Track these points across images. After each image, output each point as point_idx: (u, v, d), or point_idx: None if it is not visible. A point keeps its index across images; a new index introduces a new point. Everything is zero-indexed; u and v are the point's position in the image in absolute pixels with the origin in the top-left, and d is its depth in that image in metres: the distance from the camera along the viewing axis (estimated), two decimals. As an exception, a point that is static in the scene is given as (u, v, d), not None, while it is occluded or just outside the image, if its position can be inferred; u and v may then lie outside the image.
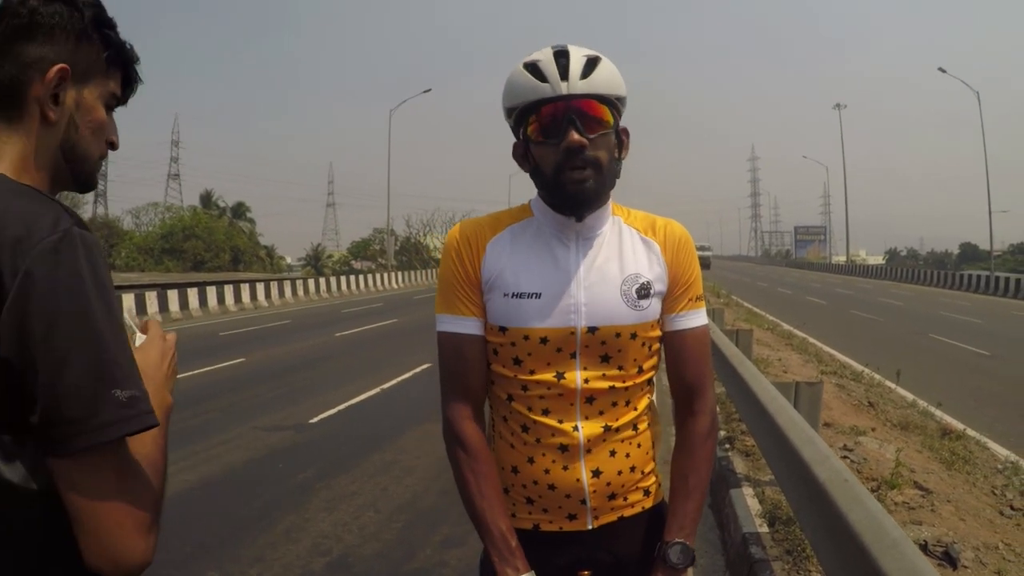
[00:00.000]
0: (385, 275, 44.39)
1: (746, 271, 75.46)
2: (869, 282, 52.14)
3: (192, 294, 27.25)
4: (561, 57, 1.60)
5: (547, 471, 1.69)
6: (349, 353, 14.75)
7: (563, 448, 1.68)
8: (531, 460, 1.71)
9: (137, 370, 1.06)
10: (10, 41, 1.13)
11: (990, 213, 44.59)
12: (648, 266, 1.73)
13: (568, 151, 1.58)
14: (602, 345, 1.67)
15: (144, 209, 64.76)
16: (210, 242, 52.59)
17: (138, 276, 38.26)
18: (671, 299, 1.75)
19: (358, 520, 5.33)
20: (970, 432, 7.76)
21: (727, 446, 6.65)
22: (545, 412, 1.69)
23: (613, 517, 1.75)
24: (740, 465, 6.03)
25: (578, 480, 1.69)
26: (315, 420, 8.56)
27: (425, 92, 50.57)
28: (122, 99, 1.28)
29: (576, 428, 1.68)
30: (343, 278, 39.71)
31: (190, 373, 11.23)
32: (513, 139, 1.75)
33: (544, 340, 1.66)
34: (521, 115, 1.66)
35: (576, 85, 1.58)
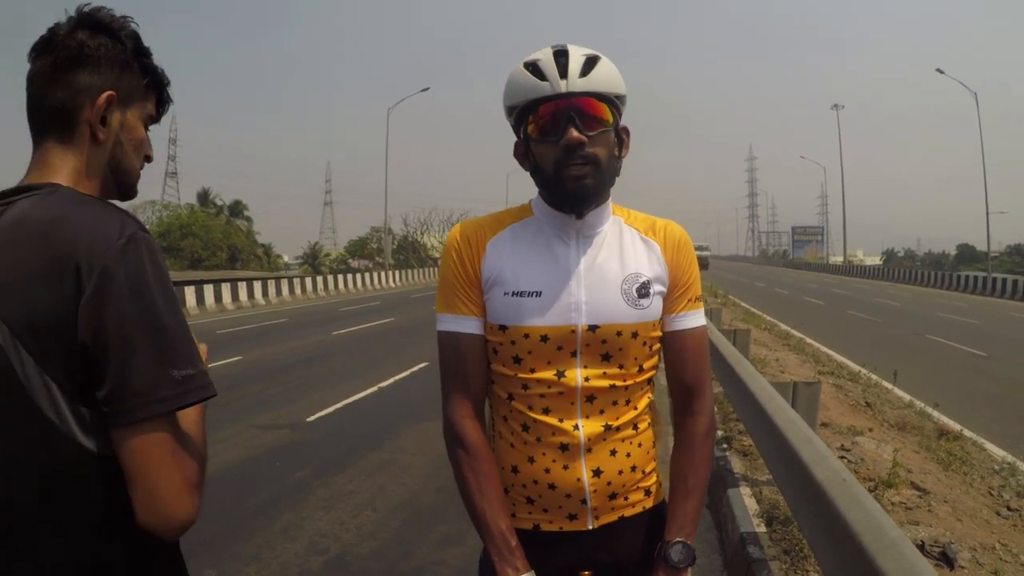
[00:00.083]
0: (382, 274, 44.39)
1: (743, 271, 75.52)
2: (866, 283, 52.21)
3: (189, 292, 27.22)
4: (561, 56, 1.61)
5: (547, 470, 1.69)
6: (346, 352, 14.74)
7: (563, 447, 1.68)
8: (531, 459, 1.70)
9: (195, 349, 1.24)
10: (62, 71, 1.29)
11: (987, 214, 44.70)
12: (648, 266, 1.73)
13: (567, 148, 1.59)
14: (603, 344, 1.67)
15: (141, 207, 64.56)
16: (207, 240, 52.58)
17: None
18: (671, 300, 1.76)
19: (355, 519, 5.33)
20: (967, 433, 7.77)
21: (724, 446, 6.66)
22: (545, 411, 1.68)
23: (614, 517, 1.75)
24: (738, 465, 6.03)
25: (579, 479, 1.69)
26: (312, 419, 8.56)
27: (423, 91, 50.61)
28: (157, 118, 1.45)
29: (576, 427, 1.68)
30: (340, 277, 39.70)
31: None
32: (513, 138, 1.76)
33: (544, 338, 1.66)
34: (521, 114, 1.67)
35: (575, 83, 1.59)
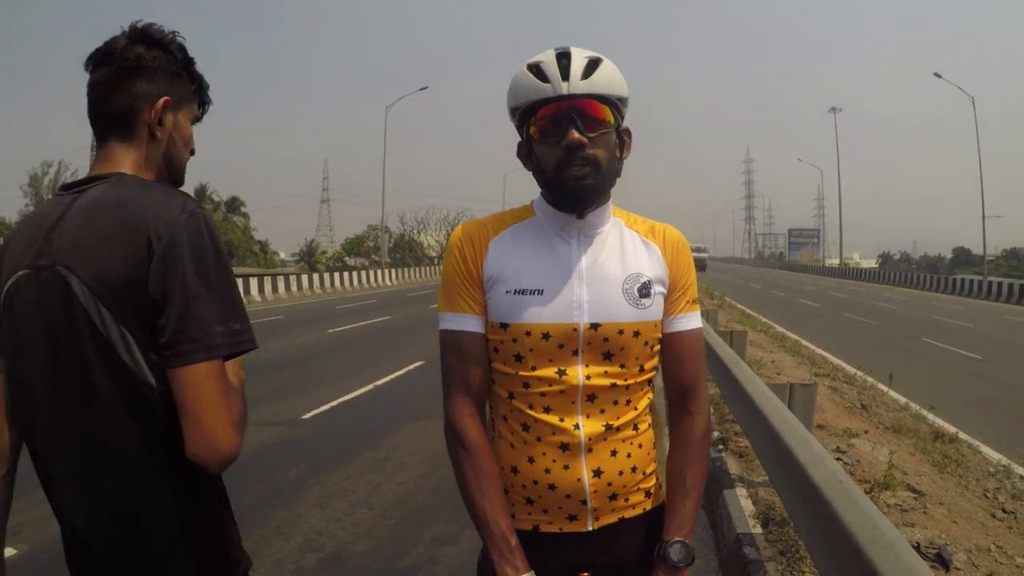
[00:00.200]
0: (379, 272, 44.28)
1: (740, 273, 75.58)
2: (862, 285, 52.30)
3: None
4: (563, 58, 1.63)
5: (547, 470, 1.69)
6: (342, 349, 14.72)
7: (564, 447, 1.68)
8: (531, 460, 1.70)
9: (242, 309, 1.46)
10: (122, 80, 1.53)
11: (983, 218, 44.73)
12: (649, 267, 1.75)
13: (568, 149, 1.61)
14: (604, 342, 1.68)
15: (138, 203, 64.57)
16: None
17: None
18: (669, 301, 1.77)
19: (351, 517, 5.32)
20: (962, 435, 7.78)
21: (721, 447, 6.66)
22: (546, 410, 1.68)
23: (614, 518, 1.75)
24: (734, 466, 6.03)
25: (579, 480, 1.69)
26: (308, 416, 8.55)
27: (422, 89, 50.55)
28: (200, 117, 1.71)
29: (577, 426, 1.68)
30: (337, 274, 39.63)
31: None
32: (514, 138, 1.78)
33: (546, 336, 1.67)
34: (524, 115, 1.69)
35: (577, 85, 1.61)
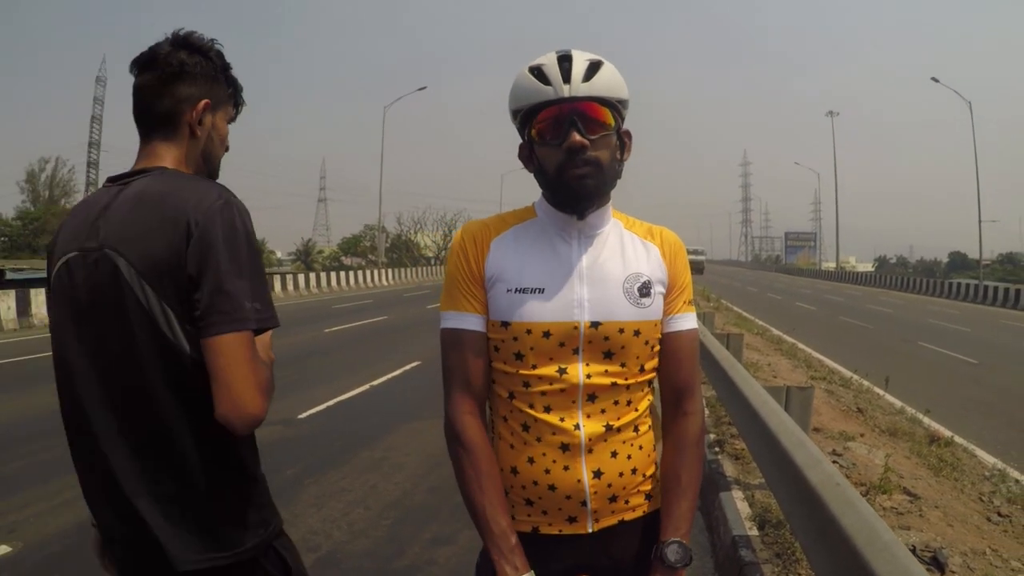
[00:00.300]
0: (375, 272, 44.25)
1: (736, 276, 75.68)
2: (858, 289, 52.39)
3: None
4: (564, 61, 1.64)
5: (547, 471, 1.69)
6: (338, 349, 14.70)
7: (564, 447, 1.68)
8: (531, 460, 1.70)
9: (268, 293, 1.61)
10: (167, 84, 1.69)
11: (980, 222, 44.85)
12: (649, 267, 1.77)
13: (570, 151, 1.63)
14: (605, 341, 1.69)
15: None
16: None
17: (127, 267, 37.94)
18: (667, 301, 1.78)
19: (347, 517, 5.31)
20: (958, 439, 7.79)
21: (717, 449, 6.66)
22: (547, 409, 1.68)
23: (613, 520, 1.75)
24: (730, 468, 6.04)
25: (579, 481, 1.69)
26: (304, 416, 8.53)
27: (420, 89, 50.54)
28: (234, 117, 1.88)
29: (578, 426, 1.68)
30: (333, 274, 39.60)
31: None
32: (515, 140, 1.79)
33: (547, 334, 1.67)
34: (526, 117, 1.70)
35: (578, 88, 1.62)
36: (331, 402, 9.28)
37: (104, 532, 1.73)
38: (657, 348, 1.78)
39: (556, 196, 1.72)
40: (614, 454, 1.71)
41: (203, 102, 1.73)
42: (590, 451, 1.69)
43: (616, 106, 1.69)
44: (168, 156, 1.71)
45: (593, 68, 1.65)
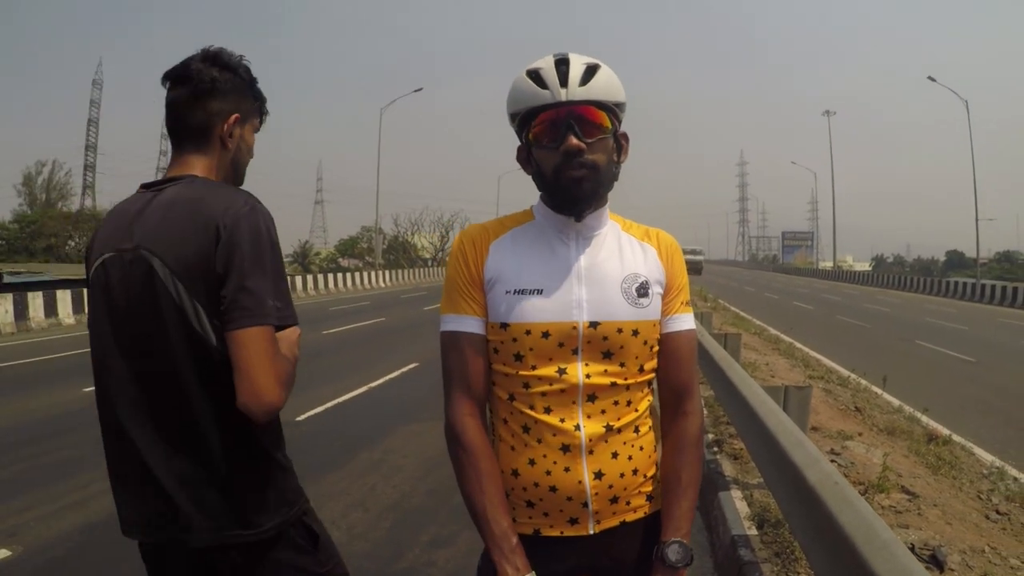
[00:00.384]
0: (373, 273, 44.21)
1: (733, 275, 75.72)
2: (856, 288, 52.42)
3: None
4: (561, 65, 1.66)
5: (548, 472, 1.70)
6: (336, 351, 14.68)
7: (565, 448, 1.69)
8: (532, 462, 1.71)
9: (288, 292, 1.77)
10: (200, 99, 1.83)
11: (977, 221, 44.86)
12: (646, 267, 1.78)
13: (567, 155, 1.65)
14: (604, 340, 1.70)
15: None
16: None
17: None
18: (665, 302, 1.80)
19: (346, 519, 5.31)
20: (956, 437, 7.81)
21: (715, 449, 6.67)
22: (547, 410, 1.69)
23: (615, 522, 1.75)
24: (729, 468, 6.04)
25: (580, 482, 1.69)
26: (302, 418, 8.52)
27: (416, 91, 50.50)
28: (259, 127, 2.01)
29: (578, 427, 1.69)
30: (330, 276, 39.56)
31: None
32: (512, 141, 1.82)
33: (546, 335, 1.68)
34: (523, 120, 1.72)
35: (575, 92, 1.64)
36: (329, 404, 9.27)
37: (129, 514, 1.84)
38: (656, 348, 1.79)
39: (554, 198, 1.74)
40: (615, 455, 1.71)
41: (234, 116, 1.87)
42: (591, 452, 1.69)
43: (613, 109, 1.70)
44: (199, 166, 1.85)
45: (590, 72, 1.66)
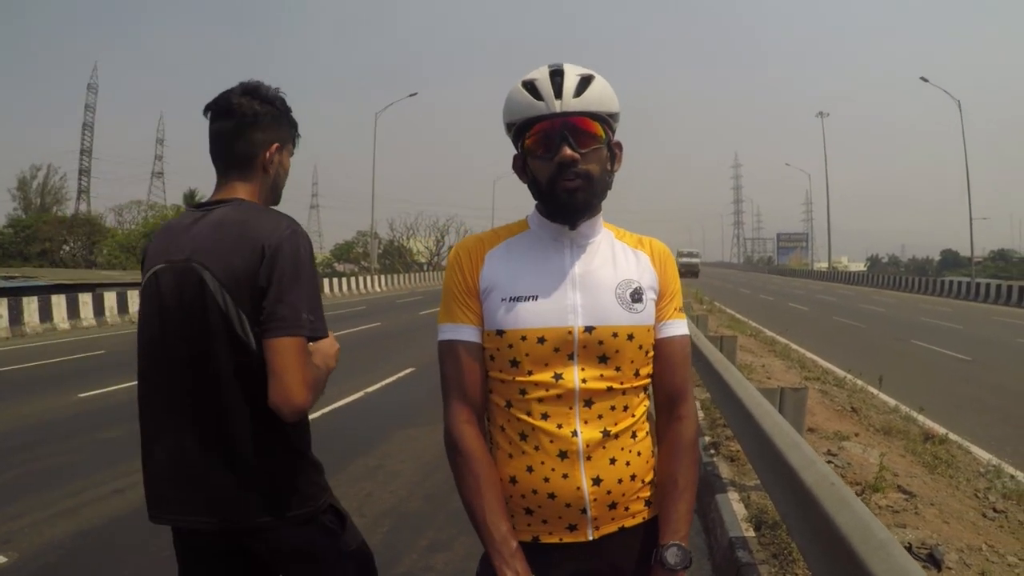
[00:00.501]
0: (368, 278, 44.23)
1: (729, 277, 75.88)
2: (851, 288, 52.55)
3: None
4: (556, 75, 1.69)
5: (547, 479, 1.70)
6: (333, 356, 14.63)
7: (563, 455, 1.69)
8: (530, 469, 1.71)
9: (321, 309, 1.94)
10: (242, 130, 2.02)
11: (971, 220, 44.95)
12: (639, 274, 1.80)
13: (561, 165, 1.67)
14: (599, 345, 1.71)
15: (127, 207, 64.23)
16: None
17: (120, 274, 37.75)
18: (659, 308, 1.82)
19: (343, 524, 5.28)
20: (952, 436, 7.81)
21: (712, 451, 6.67)
22: (544, 416, 1.70)
23: (614, 528, 1.75)
24: (725, 470, 6.05)
25: (578, 488, 1.69)
26: (299, 423, 8.46)
27: (411, 96, 50.56)
28: (293, 152, 2.20)
29: (575, 433, 1.69)
30: (326, 280, 39.53)
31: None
32: (506, 145, 1.84)
33: (541, 340, 1.69)
34: (519, 130, 1.75)
35: (569, 103, 1.67)
36: (326, 409, 9.24)
37: (162, 500, 1.99)
38: (651, 354, 1.80)
39: (548, 207, 1.76)
40: (613, 461, 1.72)
41: (274, 146, 2.07)
42: (588, 458, 1.69)
43: (607, 120, 1.73)
44: (243, 190, 2.05)
45: (584, 83, 1.69)
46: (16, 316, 20.36)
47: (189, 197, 60.82)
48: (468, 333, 1.76)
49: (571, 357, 1.70)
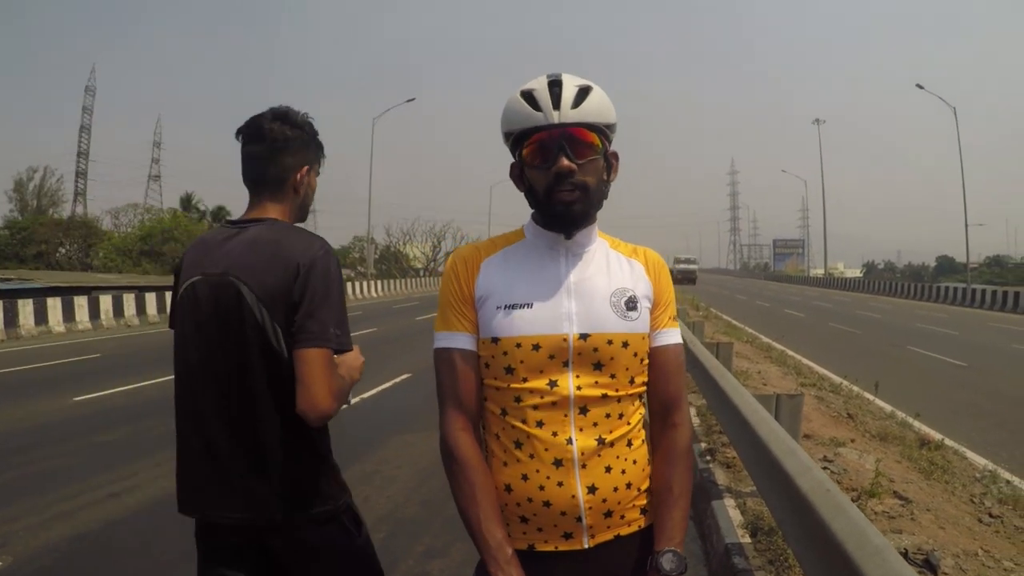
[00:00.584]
0: (365, 283, 44.15)
1: (725, 284, 75.92)
2: (847, 295, 52.60)
3: (170, 298, 26.99)
4: (555, 86, 1.70)
5: (542, 487, 1.70)
6: (329, 361, 14.60)
7: (558, 463, 1.69)
8: (525, 477, 1.71)
9: (347, 324, 2.08)
10: (275, 155, 2.15)
11: (966, 226, 45.16)
12: (634, 282, 1.82)
13: (558, 175, 1.69)
14: (594, 352, 1.71)
15: (123, 210, 64.03)
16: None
17: (116, 277, 37.73)
18: (653, 316, 1.83)
19: (339, 529, 5.27)
20: (948, 442, 7.83)
21: (708, 458, 6.67)
22: (539, 424, 1.70)
23: (609, 536, 1.75)
24: (722, 477, 6.05)
25: (573, 496, 1.69)
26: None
27: (409, 101, 50.61)
28: (319, 172, 2.33)
29: (570, 440, 1.69)
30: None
31: (171, 377, 10.99)
32: (503, 150, 1.85)
33: (536, 347, 1.70)
34: (517, 140, 1.76)
35: (567, 114, 1.69)
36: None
37: (193, 494, 2.12)
38: (646, 361, 1.81)
39: (545, 217, 1.78)
40: (608, 469, 1.72)
41: (304, 168, 2.21)
42: (584, 466, 1.70)
43: (604, 131, 1.75)
44: (274, 210, 2.18)
45: (582, 94, 1.70)
46: (11, 318, 20.32)
47: (186, 200, 60.85)
48: (464, 341, 1.77)
49: (566, 364, 1.71)
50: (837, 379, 12.02)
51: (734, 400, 5.24)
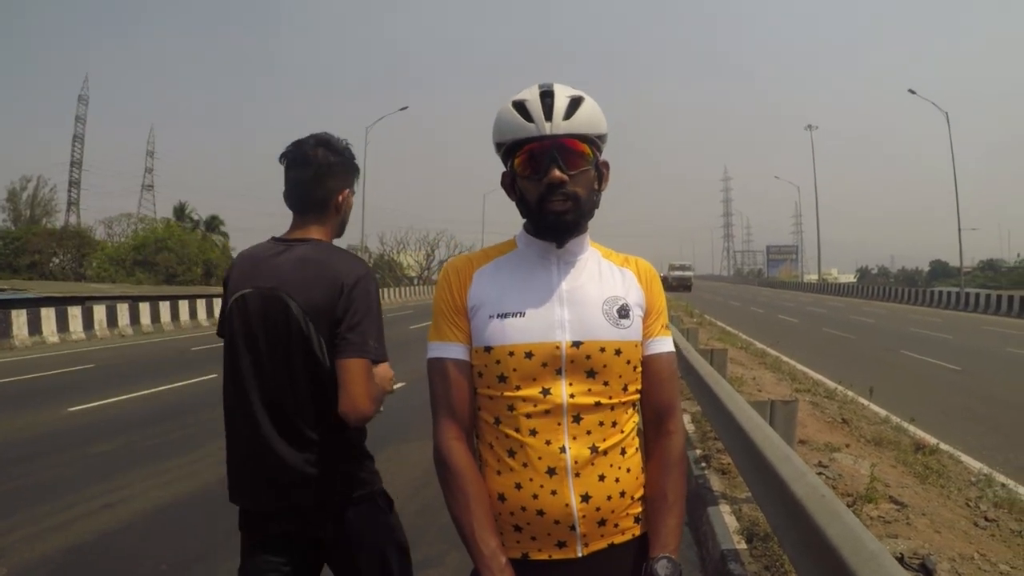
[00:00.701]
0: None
1: (719, 290, 76.00)
2: (841, 300, 52.71)
3: (164, 307, 27.02)
4: (546, 97, 1.71)
5: (535, 496, 1.70)
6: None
7: (551, 471, 1.69)
8: (519, 486, 1.71)
9: (383, 339, 2.29)
10: (319, 179, 2.35)
11: (960, 231, 45.25)
12: (626, 291, 1.83)
13: (550, 186, 1.70)
14: (587, 360, 1.72)
15: (117, 219, 63.89)
16: (183, 255, 51.63)
17: (109, 287, 37.52)
18: (646, 325, 1.84)
19: (334, 538, 5.25)
20: (943, 446, 7.84)
21: (703, 464, 6.67)
22: (532, 432, 1.70)
23: (603, 544, 1.75)
24: (717, 483, 6.05)
25: (567, 505, 1.69)
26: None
27: (402, 109, 50.65)
28: (355, 191, 2.51)
29: (563, 449, 1.69)
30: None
31: (165, 387, 11.13)
32: (497, 158, 1.85)
33: (529, 355, 1.70)
34: (509, 150, 1.77)
35: (559, 125, 1.69)
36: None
37: (243, 484, 2.34)
38: (639, 369, 1.81)
39: (536, 226, 1.79)
40: (602, 477, 1.72)
41: (346, 191, 2.42)
42: (577, 475, 1.70)
43: (595, 141, 1.76)
44: (318, 231, 2.39)
45: (574, 105, 1.71)
46: (5, 329, 20.25)
47: (179, 210, 60.71)
48: (456, 351, 1.77)
49: (559, 372, 1.71)
50: (832, 384, 12.04)
51: (729, 406, 5.25)
